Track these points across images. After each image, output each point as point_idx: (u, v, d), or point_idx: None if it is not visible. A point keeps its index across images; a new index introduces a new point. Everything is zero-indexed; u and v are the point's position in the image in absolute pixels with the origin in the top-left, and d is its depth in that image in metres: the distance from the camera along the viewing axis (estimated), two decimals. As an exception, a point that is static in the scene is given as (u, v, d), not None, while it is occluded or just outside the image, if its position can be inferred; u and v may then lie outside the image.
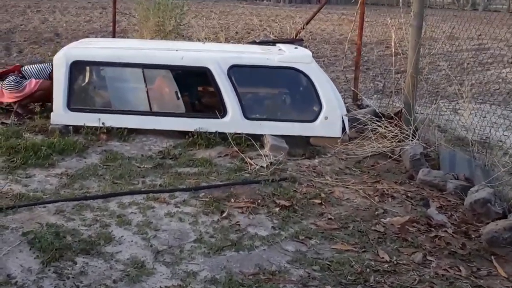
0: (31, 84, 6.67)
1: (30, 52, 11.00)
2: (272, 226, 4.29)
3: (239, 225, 4.29)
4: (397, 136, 5.98)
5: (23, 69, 6.92)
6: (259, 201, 4.71)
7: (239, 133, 6.10)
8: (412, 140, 5.86)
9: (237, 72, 6.26)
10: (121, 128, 6.19)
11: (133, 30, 11.90)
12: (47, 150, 5.53)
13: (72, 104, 6.26)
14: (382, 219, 4.48)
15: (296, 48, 6.78)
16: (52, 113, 6.26)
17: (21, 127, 6.35)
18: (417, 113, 6.37)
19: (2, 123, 6.49)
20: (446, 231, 4.31)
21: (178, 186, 4.95)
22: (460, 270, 3.77)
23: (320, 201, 4.76)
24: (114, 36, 9.16)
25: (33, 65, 7.05)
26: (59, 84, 6.20)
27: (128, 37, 11.96)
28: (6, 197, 4.56)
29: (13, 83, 6.64)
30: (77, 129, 6.23)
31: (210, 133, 6.12)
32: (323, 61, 11.41)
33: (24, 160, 5.32)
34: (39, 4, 21.49)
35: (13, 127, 6.29)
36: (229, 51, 6.65)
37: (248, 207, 4.58)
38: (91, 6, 22.19)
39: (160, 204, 4.59)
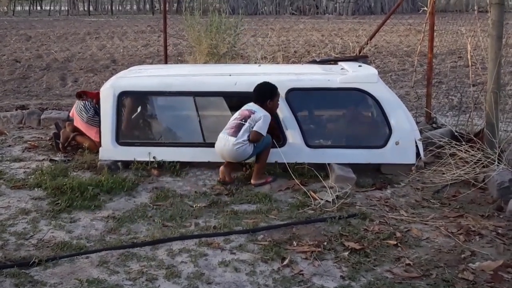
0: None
1: (85, 81, 10.83)
2: (341, 276, 3.75)
3: (302, 274, 3.77)
4: (480, 160, 5.29)
5: None
6: (325, 243, 4.18)
7: (300, 163, 5.59)
8: (498, 165, 5.18)
9: (296, 96, 5.75)
10: (173, 162, 5.76)
11: (189, 53, 11.59)
12: (94, 190, 5.17)
13: (121, 138, 5.89)
14: (470, 264, 3.86)
15: (360, 66, 6.19)
16: (100, 148, 5.91)
17: (69, 163, 6.02)
18: (500, 131, 5.67)
19: (51, 160, 6.18)
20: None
21: (234, 228, 4.47)
22: None
23: (395, 242, 4.19)
24: (166, 62, 8.81)
25: None
26: (107, 117, 5.85)
27: (184, 61, 11.68)
28: (48, 246, 4.19)
29: (97, 118, 6.13)
30: (127, 164, 5.85)
31: (269, 163, 5.61)
32: (391, 76, 10.77)
33: (70, 202, 4.96)
34: (98, 31, 21.65)
35: (61, 164, 5.96)
36: (287, 74, 6.11)
37: (312, 252, 4.05)
38: (149, 29, 22.22)
39: (213, 250, 4.11)
